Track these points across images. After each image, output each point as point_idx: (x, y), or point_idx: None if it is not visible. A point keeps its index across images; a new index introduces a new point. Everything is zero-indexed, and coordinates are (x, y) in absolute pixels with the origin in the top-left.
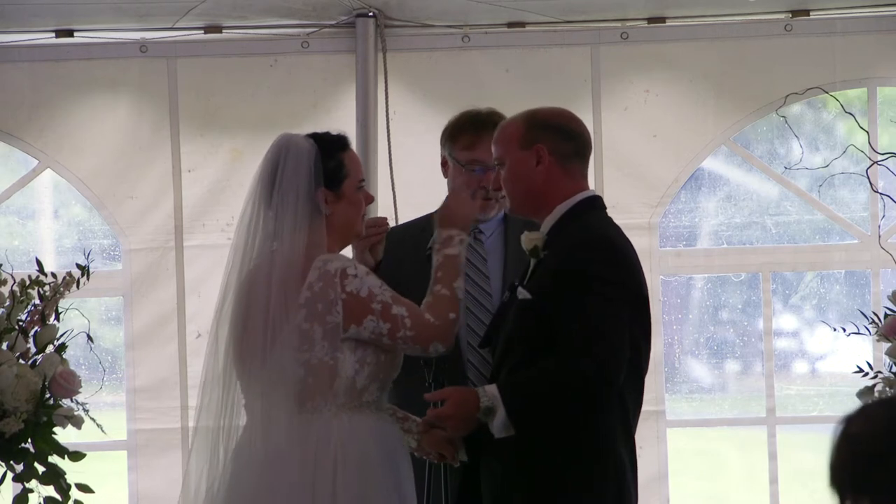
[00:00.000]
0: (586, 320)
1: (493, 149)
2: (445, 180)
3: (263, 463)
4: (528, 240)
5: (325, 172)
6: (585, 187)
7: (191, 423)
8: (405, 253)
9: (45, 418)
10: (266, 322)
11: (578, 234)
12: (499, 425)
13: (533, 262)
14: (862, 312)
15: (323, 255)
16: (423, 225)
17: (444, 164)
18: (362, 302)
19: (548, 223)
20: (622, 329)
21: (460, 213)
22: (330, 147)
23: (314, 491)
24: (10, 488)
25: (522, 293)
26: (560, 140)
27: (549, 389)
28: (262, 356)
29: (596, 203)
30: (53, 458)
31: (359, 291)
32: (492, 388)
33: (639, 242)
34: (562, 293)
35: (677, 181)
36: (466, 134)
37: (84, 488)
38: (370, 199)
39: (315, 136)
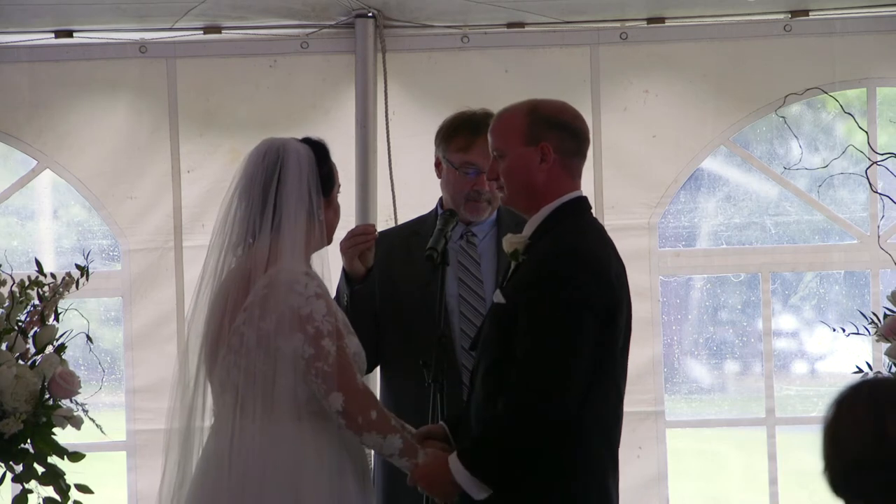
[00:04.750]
0: (542, 355)
1: (490, 138)
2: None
3: (205, 468)
4: (509, 243)
5: (320, 178)
6: (577, 187)
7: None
8: (396, 257)
9: (44, 419)
10: (220, 324)
11: (552, 245)
12: (476, 495)
13: (513, 264)
14: (861, 313)
15: (285, 266)
16: (415, 227)
17: (437, 164)
18: (299, 319)
19: (532, 224)
20: (577, 359)
21: None
22: (323, 153)
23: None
24: (9, 489)
25: (498, 297)
26: (565, 138)
27: (510, 441)
28: (212, 359)
29: (580, 206)
30: (53, 459)
31: (300, 308)
32: (456, 464)
33: (638, 243)
34: (524, 311)
35: (676, 181)
36: (461, 136)
37: (83, 489)
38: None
39: (308, 141)
